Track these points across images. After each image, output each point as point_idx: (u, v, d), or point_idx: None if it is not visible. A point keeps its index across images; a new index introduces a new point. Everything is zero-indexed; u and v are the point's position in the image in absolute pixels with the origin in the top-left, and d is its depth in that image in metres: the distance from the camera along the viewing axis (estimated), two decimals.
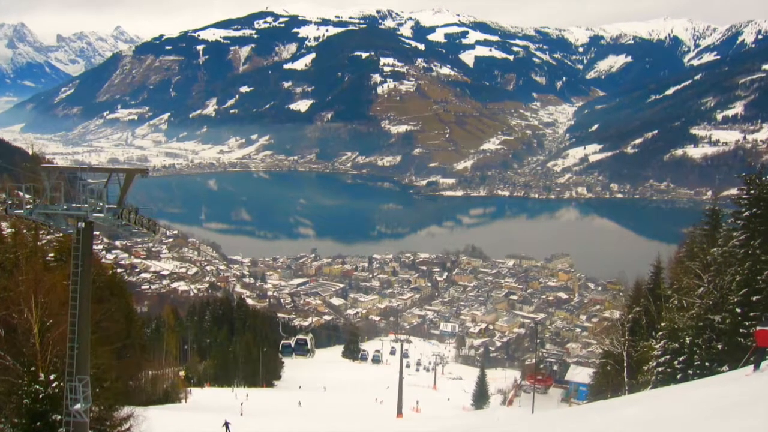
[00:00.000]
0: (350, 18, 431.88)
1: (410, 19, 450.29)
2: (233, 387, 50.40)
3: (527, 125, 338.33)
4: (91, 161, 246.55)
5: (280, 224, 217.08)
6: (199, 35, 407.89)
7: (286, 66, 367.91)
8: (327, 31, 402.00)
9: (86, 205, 12.35)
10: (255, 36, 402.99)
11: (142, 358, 35.22)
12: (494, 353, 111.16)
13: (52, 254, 25.85)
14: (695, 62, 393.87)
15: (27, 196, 12.74)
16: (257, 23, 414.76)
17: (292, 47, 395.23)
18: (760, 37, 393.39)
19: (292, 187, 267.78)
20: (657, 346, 21.10)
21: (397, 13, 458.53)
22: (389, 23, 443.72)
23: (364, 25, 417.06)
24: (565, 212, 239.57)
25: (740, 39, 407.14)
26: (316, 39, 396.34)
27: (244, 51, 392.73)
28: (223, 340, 60.02)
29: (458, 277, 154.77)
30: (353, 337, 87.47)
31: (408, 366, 69.93)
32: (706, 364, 17.63)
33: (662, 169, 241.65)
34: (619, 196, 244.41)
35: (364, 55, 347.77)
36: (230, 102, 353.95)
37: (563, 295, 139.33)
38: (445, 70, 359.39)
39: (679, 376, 18.33)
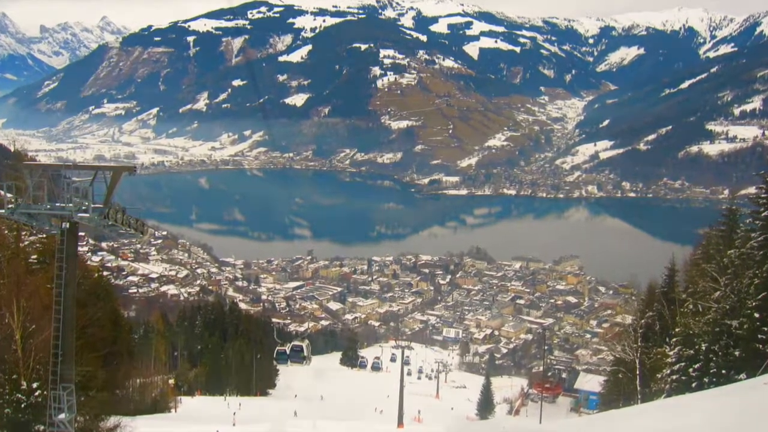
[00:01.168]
0: (348, 8, 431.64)
1: (412, 8, 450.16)
2: (225, 396, 50.40)
3: (535, 120, 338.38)
4: (76, 158, 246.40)
5: (275, 225, 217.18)
6: (189, 26, 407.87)
7: (281, 58, 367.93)
8: (324, 21, 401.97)
9: (71, 205, 12.34)
10: (248, 27, 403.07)
11: (129, 365, 35.21)
12: (500, 360, 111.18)
13: (34, 256, 25.86)
14: (711, 54, 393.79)
15: (9, 195, 12.73)
16: (251, 13, 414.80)
17: (288, 39, 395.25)
18: None
19: (288, 186, 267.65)
20: (671, 353, 21.10)
21: (397, 3, 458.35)
22: (389, 13, 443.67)
23: (363, 15, 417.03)
24: (574, 212, 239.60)
25: (758, 30, 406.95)
26: (312, 30, 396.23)
27: (237, 42, 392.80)
28: (214, 346, 60.01)
29: (462, 280, 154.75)
30: (352, 343, 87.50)
31: (409, 374, 69.91)
32: (723, 371, 17.62)
33: (676, 167, 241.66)
34: (632, 195, 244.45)
35: (363, 46, 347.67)
36: (222, 96, 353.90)
37: (572, 299, 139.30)
38: (449, 63, 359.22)
39: (694, 385, 18.32)
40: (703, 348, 18.56)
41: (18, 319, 15.10)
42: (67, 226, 12.44)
